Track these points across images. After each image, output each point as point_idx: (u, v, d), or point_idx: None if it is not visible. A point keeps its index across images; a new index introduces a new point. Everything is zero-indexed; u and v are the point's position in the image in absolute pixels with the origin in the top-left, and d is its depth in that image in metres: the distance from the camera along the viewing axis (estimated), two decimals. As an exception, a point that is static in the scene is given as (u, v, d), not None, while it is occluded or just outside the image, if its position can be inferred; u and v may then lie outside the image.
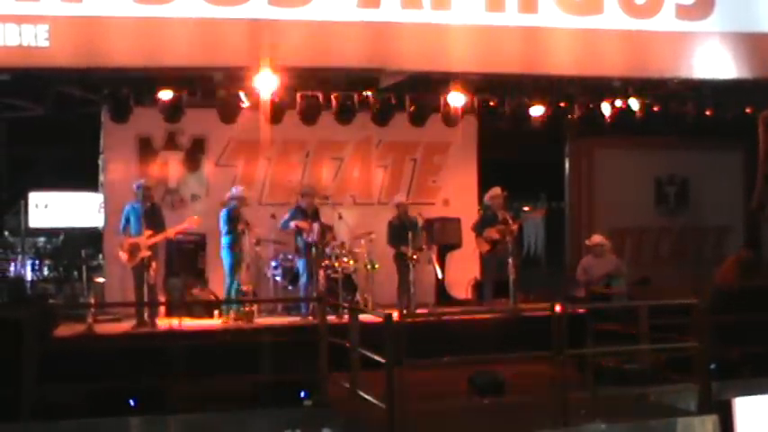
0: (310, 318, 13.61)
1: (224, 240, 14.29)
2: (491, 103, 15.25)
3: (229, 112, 14.08)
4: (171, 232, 13.74)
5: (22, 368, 9.30)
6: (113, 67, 11.71)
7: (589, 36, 12.61)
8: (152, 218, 13.54)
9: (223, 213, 14.35)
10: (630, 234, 18.20)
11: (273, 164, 16.42)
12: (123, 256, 13.44)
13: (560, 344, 9.38)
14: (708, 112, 15.59)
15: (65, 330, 12.74)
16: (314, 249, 14.30)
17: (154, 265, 13.43)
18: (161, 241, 13.70)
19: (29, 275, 17.00)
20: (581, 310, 11.63)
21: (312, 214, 14.56)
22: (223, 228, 14.30)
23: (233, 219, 14.21)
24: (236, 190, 14.59)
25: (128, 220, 13.53)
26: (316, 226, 14.34)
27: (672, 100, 15.14)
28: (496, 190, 14.96)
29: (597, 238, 14.84)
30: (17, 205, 17.67)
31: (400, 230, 14.66)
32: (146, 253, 13.32)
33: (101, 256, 16.15)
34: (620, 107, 15.09)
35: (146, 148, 15.89)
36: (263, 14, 11.51)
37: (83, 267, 16.36)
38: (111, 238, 14.99)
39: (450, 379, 10.70)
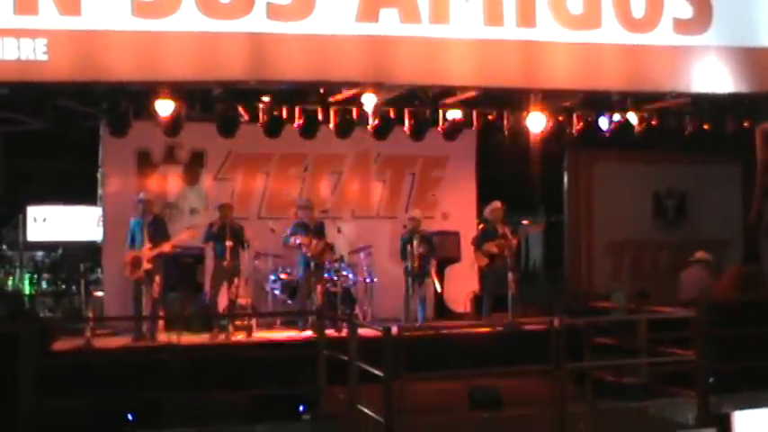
0: (309, 331, 13.59)
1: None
2: (490, 117, 15.24)
3: (228, 125, 14.07)
4: (168, 246, 13.70)
5: (20, 383, 9.28)
6: (112, 80, 11.70)
7: (587, 50, 12.61)
8: (155, 231, 13.57)
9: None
10: (629, 247, 18.20)
11: (272, 178, 16.43)
12: (126, 269, 13.47)
13: (559, 358, 9.37)
14: (706, 126, 15.56)
15: (63, 344, 12.71)
16: (312, 264, 14.29)
17: (157, 279, 13.46)
18: (163, 253, 13.66)
19: (27, 289, 16.96)
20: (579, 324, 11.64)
21: (315, 228, 14.55)
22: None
23: (215, 230, 14.15)
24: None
25: (133, 235, 13.57)
26: (315, 241, 14.34)
27: (670, 114, 15.12)
28: (496, 204, 14.95)
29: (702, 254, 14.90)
30: (15, 219, 17.62)
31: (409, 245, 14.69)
32: (148, 266, 13.35)
33: (99, 269, 16.13)
34: (619, 121, 15.06)
35: (144, 162, 15.90)
36: (262, 28, 11.51)
37: (81, 281, 16.32)
38: (110, 251, 15.01)
39: (448, 393, 10.69)
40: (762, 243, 17.03)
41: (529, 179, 18.02)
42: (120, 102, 13.29)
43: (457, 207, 17.24)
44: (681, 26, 12.80)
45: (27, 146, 16.16)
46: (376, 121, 14.29)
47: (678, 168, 18.34)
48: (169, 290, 14.65)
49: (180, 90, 12.82)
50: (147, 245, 13.40)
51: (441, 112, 14.51)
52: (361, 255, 15.72)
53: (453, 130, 14.94)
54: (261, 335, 13.98)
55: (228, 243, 13.86)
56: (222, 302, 14.20)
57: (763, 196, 15.39)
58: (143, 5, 11.26)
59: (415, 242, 14.62)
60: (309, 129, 14.26)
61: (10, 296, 16.43)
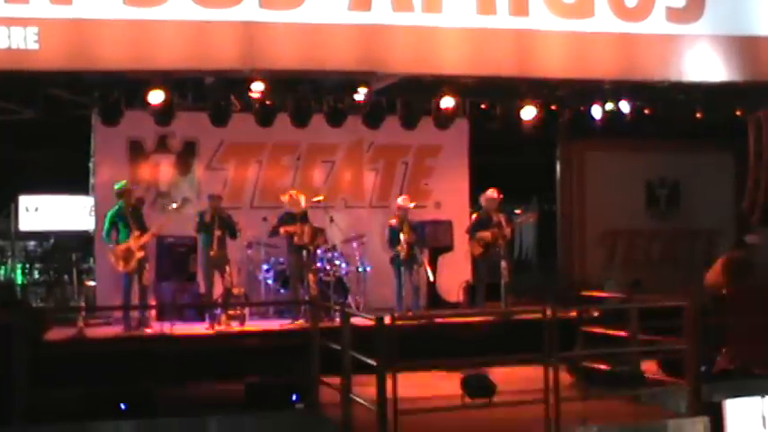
0: (302, 321, 13.58)
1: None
2: (482, 106, 15.25)
3: (221, 114, 14.05)
4: (149, 236, 13.59)
5: (13, 372, 9.27)
6: (104, 69, 11.68)
7: (580, 39, 12.61)
8: (136, 218, 13.51)
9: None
10: (622, 236, 18.21)
11: (265, 167, 16.40)
12: (119, 264, 13.37)
13: (551, 346, 9.38)
14: (698, 115, 15.60)
15: (55, 334, 12.71)
16: (305, 252, 14.27)
17: (147, 266, 13.43)
18: (150, 240, 13.64)
19: (19, 279, 16.94)
20: (572, 313, 11.67)
21: (301, 217, 14.51)
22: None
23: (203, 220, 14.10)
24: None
25: (112, 226, 13.46)
26: (306, 228, 14.31)
27: (662, 103, 15.14)
28: (492, 192, 14.94)
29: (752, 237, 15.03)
30: (7, 209, 17.60)
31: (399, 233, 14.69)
32: (140, 254, 13.30)
33: (91, 259, 16.10)
34: (611, 110, 15.07)
35: (136, 151, 15.85)
36: (255, 17, 11.49)
37: (73, 271, 16.31)
38: (102, 241, 14.96)
39: (442, 382, 10.70)
40: (754, 232, 17.09)
41: (521, 168, 18.01)
42: (112, 91, 13.29)
43: (449, 196, 17.21)
44: (674, 15, 12.81)
45: (18, 135, 16.09)
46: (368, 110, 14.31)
47: (671, 157, 18.32)
48: (162, 279, 14.64)
49: (172, 79, 12.81)
50: (135, 233, 13.35)
51: (433, 100, 14.49)
52: (354, 244, 15.70)
53: (446, 119, 14.91)
54: (254, 324, 13.98)
55: (217, 233, 13.83)
56: (216, 292, 14.15)
57: (756, 185, 15.41)
58: (135, -6, 11.24)
59: (404, 230, 14.62)
60: (302, 117, 14.25)
61: (2, 286, 16.43)
